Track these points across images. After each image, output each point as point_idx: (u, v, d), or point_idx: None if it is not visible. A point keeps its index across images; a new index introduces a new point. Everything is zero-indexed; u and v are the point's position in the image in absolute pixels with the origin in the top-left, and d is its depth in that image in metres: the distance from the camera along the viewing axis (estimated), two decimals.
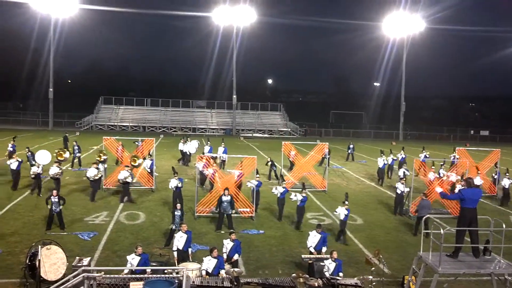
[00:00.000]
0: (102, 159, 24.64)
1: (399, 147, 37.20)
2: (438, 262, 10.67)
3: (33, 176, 22.42)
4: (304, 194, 18.77)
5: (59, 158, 25.08)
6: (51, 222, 17.33)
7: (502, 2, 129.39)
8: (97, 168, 22.45)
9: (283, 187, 20.23)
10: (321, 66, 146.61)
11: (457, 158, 25.93)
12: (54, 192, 17.60)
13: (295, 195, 19.08)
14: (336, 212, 17.75)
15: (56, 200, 17.26)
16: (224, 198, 18.27)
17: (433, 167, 26.54)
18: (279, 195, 20.13)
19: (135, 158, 24.95)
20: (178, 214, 16.12)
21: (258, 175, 21.08)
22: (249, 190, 21.67)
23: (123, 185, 22.21)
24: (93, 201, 21.79)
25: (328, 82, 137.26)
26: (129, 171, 22.49)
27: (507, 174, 24.82)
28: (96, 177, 22.25)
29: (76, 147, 31.27)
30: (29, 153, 27.25)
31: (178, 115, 78.08)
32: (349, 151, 40.53)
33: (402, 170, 25.74)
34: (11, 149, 28.69)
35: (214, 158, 29.46)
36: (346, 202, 17.56)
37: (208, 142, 33.09)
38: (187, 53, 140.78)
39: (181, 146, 33.60)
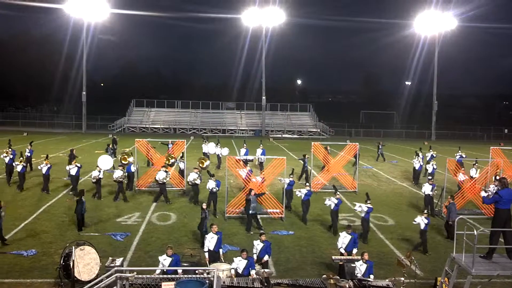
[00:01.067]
0: (170, 163, 25.26)
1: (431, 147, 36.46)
2: (472, 263, 10.49)
3: (94, 181, 22.75)
4: (369, 205, 17.57)
5: (123, 161, 25.44)
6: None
7: None
8: (166, 171, 22.81)
9: (337, 198, 18.53)
10: (351, 66, 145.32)
11: (463, 157, 25.01)
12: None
13: (360, 206, 17.71)
14: (415, 221, 16.77)
15: (83, 200, 17.69)
16: (250, 199, 18.36)
17: (463, 168, 25.93)
18: (332, 206, 18.29)
19: (203, 161, 26.09)
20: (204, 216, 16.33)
21: (308, 183, 20.82)
22: (280, 190, 21.71)
23: (192, 187, 22.44)
24: (168, 202, 22.24)
25: (358, 81, 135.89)
26: (198, 173, 22.49)
27: None
28: (165, 180, 22.52)
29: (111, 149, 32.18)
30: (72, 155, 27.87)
31: (208, 116, 78.52)
32: (379, 151, 40.03)
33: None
34: (29, 154, 28.98)
35: (251, 161, 29.55)
36: (425, 211, 17.11)
37: (245, 145, 32.71)
38: (216, 55, 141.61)
39: (204, 149, 33.63)
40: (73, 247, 12.45)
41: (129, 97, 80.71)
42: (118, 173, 22.63)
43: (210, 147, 33.29)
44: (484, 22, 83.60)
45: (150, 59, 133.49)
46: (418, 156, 29.30)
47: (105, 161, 24.14)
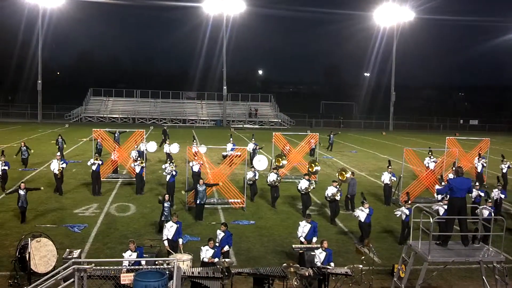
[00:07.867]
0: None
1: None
2: (428, 250, 10.75)
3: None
4: (367, 205, 16.03)
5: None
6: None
7: None
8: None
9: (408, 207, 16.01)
10: (312, 57, 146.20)
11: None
12: (22, 185, 17.36)
13: (361, 210, 16.01)
14: (355, 215, 16.47)
15: (23, 193, 17.06)
16: (200, 188, 18.27)
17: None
18: (404, 217, 15.77)
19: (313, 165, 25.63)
20: (168, 206, 16.12)
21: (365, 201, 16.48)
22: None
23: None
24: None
25: (319, 72, 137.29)
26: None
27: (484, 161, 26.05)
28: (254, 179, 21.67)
29: (60, 140, 30.91)
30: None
31: (168, 106, 77.60)
32: (330, 141, 40.28)
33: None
34: None
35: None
36: (365, 201, 16.32)
37: (231, 139, 30.91)
38: (177, 44, 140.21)
39: (166, 148, 30.04)
40: (29, 239, 12.13)
41: (86, 85, 78.95)
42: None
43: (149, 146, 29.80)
44: (440, 15, 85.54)
45: (109, 47, 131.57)
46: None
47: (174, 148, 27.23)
